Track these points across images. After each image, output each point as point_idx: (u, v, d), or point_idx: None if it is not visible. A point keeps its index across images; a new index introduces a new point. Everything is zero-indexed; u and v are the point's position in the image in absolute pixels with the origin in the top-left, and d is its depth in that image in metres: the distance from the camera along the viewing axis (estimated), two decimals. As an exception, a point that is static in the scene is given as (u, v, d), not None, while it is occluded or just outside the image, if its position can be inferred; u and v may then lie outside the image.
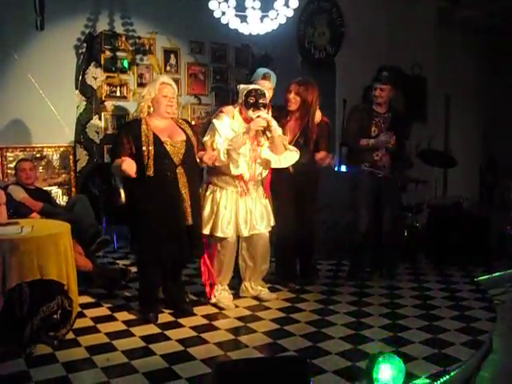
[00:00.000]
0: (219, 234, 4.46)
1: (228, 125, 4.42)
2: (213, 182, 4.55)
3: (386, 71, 5.26)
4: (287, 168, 4.75)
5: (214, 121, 4.47)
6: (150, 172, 4.01)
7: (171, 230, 4.13)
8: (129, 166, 3.89)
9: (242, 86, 4.56)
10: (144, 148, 4.01)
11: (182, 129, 4.29)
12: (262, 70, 4.91)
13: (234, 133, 4.39)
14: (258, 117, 4.37)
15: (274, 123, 4.48)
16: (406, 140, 5.50)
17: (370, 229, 5.34)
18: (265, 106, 4.46)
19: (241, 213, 4.51)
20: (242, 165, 4.40)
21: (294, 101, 4.93)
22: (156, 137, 4.09)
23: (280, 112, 4.94)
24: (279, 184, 4.92)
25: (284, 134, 4.66)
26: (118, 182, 6.28)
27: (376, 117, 5.28)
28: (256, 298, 4.80)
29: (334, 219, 6.02)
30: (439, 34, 7.95)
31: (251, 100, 4.41)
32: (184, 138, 4.22)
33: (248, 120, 4.45)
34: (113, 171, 4.30)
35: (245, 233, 4.53)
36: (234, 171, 4.39)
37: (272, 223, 4.74)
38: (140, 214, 4.16)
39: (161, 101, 4.15)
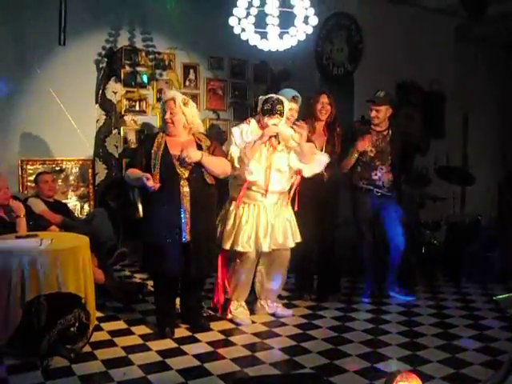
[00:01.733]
0: (239, 249, 4.46)
1: (245, 131, 4.51)
2: (234, 197, 4.56)
3: (381, 91, 5.24)
4: (321, 175, 4.90)
5: (232, 128, 4.64)
6: (156, 183, 4.02)
7: (169, 244, 4.09)
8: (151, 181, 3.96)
9: (262, 97, 4.66)
10: (152, 158, 4.08)
11: (199, 145, 4.28)
12: (290, 92, 4.96)
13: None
14: (274, 124, 4.49)
15: (288, 133, 4.58)
16: (411, 156, 5.49)
17: (376, 246, 5.33)
18: (281, 113, 4.52)
19: (261, 227, 4.50)
20: (255, 171, 4.43)
21: (325, 110, 5.13)
22: (166, 149, 4.14)
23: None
24: (305, 192, 4.95)
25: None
26: (136, 195, 6.32)
27: (373, 136, 5.27)
28: (272, 314, 4.79)
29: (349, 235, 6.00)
30: (458, 49, 7.95)
31: (267, 107, 4.48)
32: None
33: (264, 128, 4.52)
34: (125, 179, 4.37)
35: (265, 247, 4.49)
36: (249, 177, 4.43)
37: (298, 239, 4.73)
38: (145, 226, 4.24)
39: (164, 119, 4.24)
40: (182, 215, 4.11)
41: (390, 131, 5.30)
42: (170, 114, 4.19)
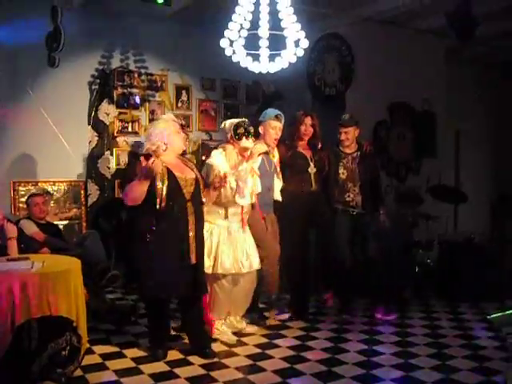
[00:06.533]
0: (219, 271, 4.50)
1: (221, 159, 4.56)
2: (209, 221, 4.56)
3: (346, 114, 5.54)
4: (300, 189, 5.16)
5: (208, 161, 4.66)
6: (162, 206, 4.00)
7: (174, 266, 4.07)
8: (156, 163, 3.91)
9: (227, 122, 4.77)
10: (158, 182, 4.01)
11: (190, 167, 4.33)
12: (273, 111, 5.11)
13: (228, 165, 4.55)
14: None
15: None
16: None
17: (351, 263, 5.40)
18: (253, 133, 4.68)
19: (239, 249, 4.59)
20: (247, 194, 4.55)
21: (308, 132, 5.28)
22: (170, 171, 4.10)
23: (286, 146, 5.27)
24: (292, 210, 5.12)
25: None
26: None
27: (343, 158, 5.47)
28: (238, 332, 4.78)
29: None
30: (448, 69, 8.02)
31: (241, 131, 4.60)
32: (193, 175, 4.26)
33: (242, 151, 4.62)
34: (128, 192, 4.07)
35: (245, 268, 4.59)
36: (241, 201, 4.53)
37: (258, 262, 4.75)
38: (145, 248, 4.10)
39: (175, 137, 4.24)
40: (189, 236, 4.13)
41: (359, 153, 5.48)
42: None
